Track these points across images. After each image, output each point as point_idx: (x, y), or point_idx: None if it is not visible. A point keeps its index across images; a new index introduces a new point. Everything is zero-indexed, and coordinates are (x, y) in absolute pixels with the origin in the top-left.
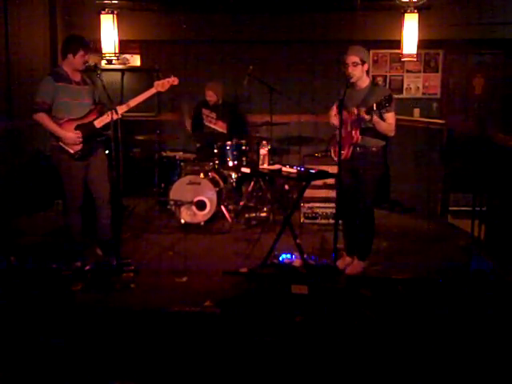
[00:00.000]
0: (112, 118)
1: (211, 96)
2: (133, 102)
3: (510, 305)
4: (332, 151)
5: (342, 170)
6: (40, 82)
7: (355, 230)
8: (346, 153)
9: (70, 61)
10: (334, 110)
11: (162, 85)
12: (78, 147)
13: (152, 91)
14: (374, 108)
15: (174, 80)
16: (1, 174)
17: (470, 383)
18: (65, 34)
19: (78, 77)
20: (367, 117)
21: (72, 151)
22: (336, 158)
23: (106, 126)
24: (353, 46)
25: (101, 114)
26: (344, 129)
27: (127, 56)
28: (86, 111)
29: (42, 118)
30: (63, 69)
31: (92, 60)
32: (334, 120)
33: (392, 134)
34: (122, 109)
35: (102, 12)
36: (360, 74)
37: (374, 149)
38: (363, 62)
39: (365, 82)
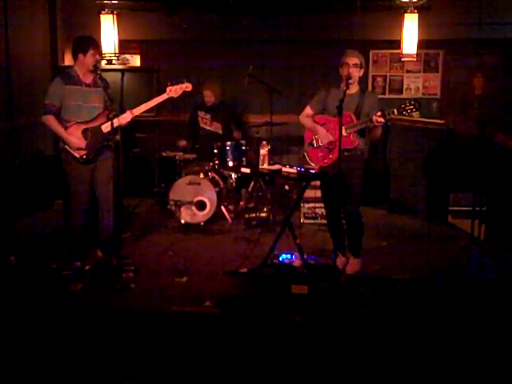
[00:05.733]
0: (112, 124)
1: (209, 96)
2: (144, 107)
3: (510, 304)
4: (310, 156)
5: (328, 174)
6: (50, 83)
7: (342, 229)
8: (334, 157)
9: (80, 61)
10: (308, 110)
11: (174, 90)
12: (83, 152)
13: (164, 97)
14: (396, 113)
15: (187, 86)
16: (1, 174)
17: (470, 383)
18: (65, 34)
19: (89, 78)
20: (384, 120)
21: (77, 155)
22: (312, 164)
23: (115, 130)
24: (352, 50)
25: (109, 119)
26: (335, 133)
27: (127, 56)
28: (94, 114)
29: (50, 120)
30: (75, 70)
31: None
32: (306, 121)
33: (379, 136)
34: (132, 113)
35: (102, 12)
36: (357, 76)
37: (358, 151)
38: (361, 66)
39: (355, 87)
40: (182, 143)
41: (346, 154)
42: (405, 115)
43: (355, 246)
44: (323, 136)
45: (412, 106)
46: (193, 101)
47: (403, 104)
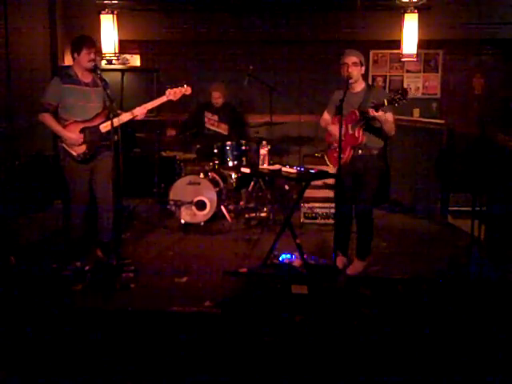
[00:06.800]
0: (112, 123)
1: (218, 97)
2: (144, 108)
3: (509, 305)
4: (328, 158)
5: (342, 173)
6: (48, 82)
7: (348, 230)
8: (346, 156)
9: (77, 61)
10: (325, 115)
11: (173, 93)
12: (81, 150)
13: (163, 99)
14: (386, 103)
15: (186, 89)
16: (1, 174)
17: (469, 382)
18: (65, 34)
19: (88, 78)
20: (378, 113)
21: (75, 153)
22: (331, 165)
23: (114, 130)
24: (351, 50)
25: (107, 119)
26: (344, 132)
27: (127, 56)
28: (93, 114)
29: (46, 118)
30: (73, 70)
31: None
32: (323, 123)
33: (393, 133)
34: (129, 115)
35: (102, 12)
36: (358, 75)
37: (374, 151)
38: (361, 64)
39: (360, 85)
40: (170, 132)
41: (360, 153)
42: (394, 104)
43: (364, 248)
44: (334, 131)
45: (400, 95)
46: (194, 101)
47: (392, 95)
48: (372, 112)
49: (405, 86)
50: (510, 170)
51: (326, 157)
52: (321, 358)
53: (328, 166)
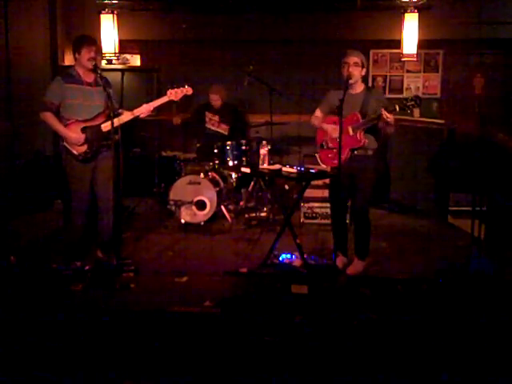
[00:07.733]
0: (113, 123)
1: (216, 100)
2: (145, 108)
3: (509, 305)
4: (321, 158)
5: (339, 174)
6: (49, 82)
7: (345, 229)
8: (344, 157)
9: (78, 60)
10: (317, 112)
11: (175, 94)
12: (82, 149)
13: (164, 99)
14: (397, 109)
15: (187, 90)
16: (1, 174)
17: (469, 382)
18: (65, 34)
19: (90, 78)
20: (390, 116)
21: (76, 152)
22: (324, 165)
23: (115, 130)
24: (352, 50)
25: (109, 118)
26: (343, 133)
27: (127, 56)
28: (94, 113)
29: (48, 117)
30: (75, 70)
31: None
32: (315, 121)
33: (389, 135)
34: (129, 115)
35: (102, 12)
36: (359, 75)
37: (370, 151)
38: (362, 65)
39: (360, 86)
40: (177, 120)
41: (356, 153)
42: (406, 111)
43: (362, 248)
44: (331, 130)
45: (413, 102)
46: (194, 101)
47: (405, 100)
48: (385, 114)
49: (405, 86)
50: (509, 169)
51: (318, 157)
52: (321, 358)
53: (320, 165)
